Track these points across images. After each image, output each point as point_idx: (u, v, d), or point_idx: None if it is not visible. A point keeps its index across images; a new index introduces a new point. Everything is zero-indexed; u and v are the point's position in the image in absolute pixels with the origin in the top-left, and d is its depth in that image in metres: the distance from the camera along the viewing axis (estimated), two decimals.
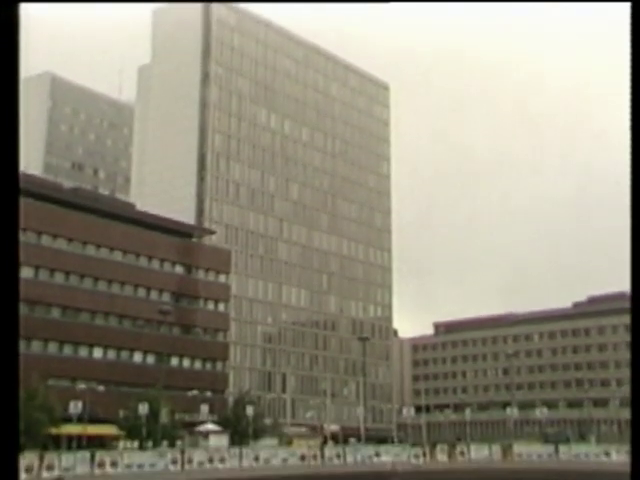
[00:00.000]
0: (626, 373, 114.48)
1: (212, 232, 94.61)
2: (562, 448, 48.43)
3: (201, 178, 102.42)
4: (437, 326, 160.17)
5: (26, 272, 65.28)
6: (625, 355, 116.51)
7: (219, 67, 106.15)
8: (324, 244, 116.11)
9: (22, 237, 58.84)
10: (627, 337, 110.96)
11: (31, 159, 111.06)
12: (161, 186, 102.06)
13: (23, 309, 61.53)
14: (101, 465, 35.31)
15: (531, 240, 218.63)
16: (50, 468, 33.05)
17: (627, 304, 7.10)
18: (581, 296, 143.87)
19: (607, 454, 46.73)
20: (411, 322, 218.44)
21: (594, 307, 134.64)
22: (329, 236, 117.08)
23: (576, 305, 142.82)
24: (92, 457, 35.54)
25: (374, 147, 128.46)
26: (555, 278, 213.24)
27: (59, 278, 72.16)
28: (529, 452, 48.68)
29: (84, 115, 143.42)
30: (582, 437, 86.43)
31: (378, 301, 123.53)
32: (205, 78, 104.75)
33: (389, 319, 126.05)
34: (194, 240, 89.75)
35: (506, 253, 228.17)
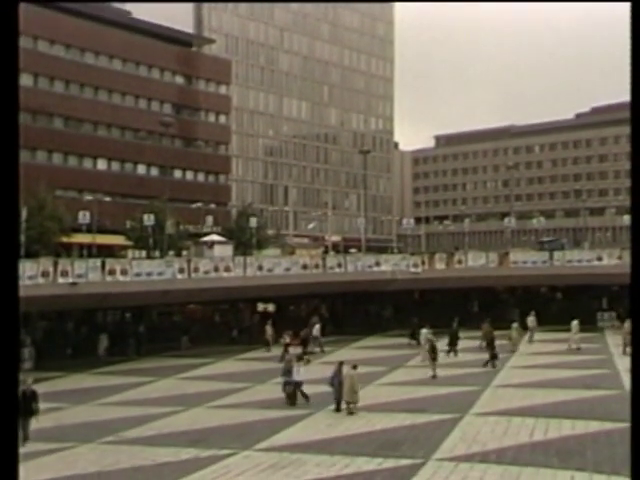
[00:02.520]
0: (624, 183, 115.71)
1: (212, 41, 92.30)
2: (556, 255, 49.56)
3: None
4: (438, 138, 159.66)
5: (25, 79, 64.11)
6: (625, 165, 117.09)
7: None
8: (325, 54, 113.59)
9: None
10: (629, 147, 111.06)
11: None
12: None
13: (25, 118, 61.12)
14: (112, 273, 36.35)
15: (534, 52, 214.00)
16: (64, 274, 34.20)
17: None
18: (585, 107, 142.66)
19: (599, 259, 47.73)
20: (412, 135, 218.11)
21: (597, 118, 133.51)
22: (330, 46, 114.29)
23: (579, 116, 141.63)
24: (103, 265, 36.56)
25: None
26: (558, 90, 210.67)
27: (59, 87, 71.31)
28: (524, 259, 49.91)
29: None
30: (577, 244, 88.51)
31: (379, 113, 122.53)
32: None
33: (390, 132, 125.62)
34: (194, 49, 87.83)
35: (508, 65, 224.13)
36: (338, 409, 22.67)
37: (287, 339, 35.93)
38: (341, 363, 23.75)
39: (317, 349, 38.52)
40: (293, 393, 24.25)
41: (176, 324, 45.35)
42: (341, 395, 22.60)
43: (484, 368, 31.20)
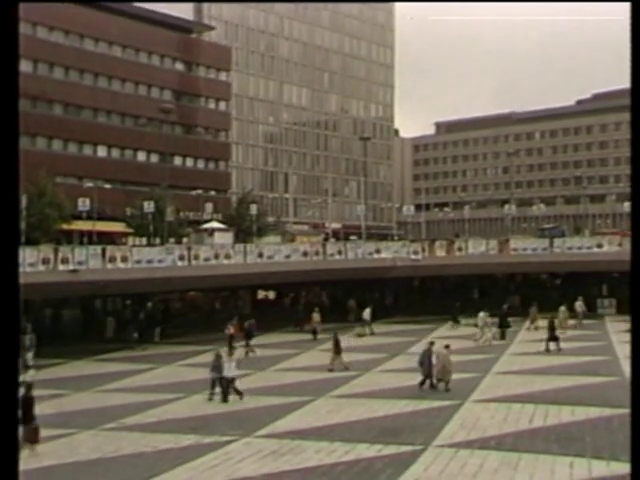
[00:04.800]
0: (625, 170, 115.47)
1: (212, 28, 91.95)
2: (556, 242, 49.53)
3: None
4: (438, 125, 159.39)
5: (24, 66, 63.66)
6: (626, 152, 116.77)
7: None
8: (325, 41, 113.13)
9: None
10: (629, 134, 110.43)
11: None
12: None
13: (25, 104, 60.82)
14: (112, 260, 36.27)
15: (535, 39, 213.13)
16: (65, 261, 34.13)
17: None
18: (586, 94, 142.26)
19: (599, 246, 47.73)
20: (412, 121, 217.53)
21: (598, 104, 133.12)
22: (331, 33, 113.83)
23: (580, 102, 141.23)
24: (103, 252, 36.49)
25: None
26: (559, 77, 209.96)
27: (59, 73, 71.08)
28: (524, 246, 49.89)
29: None
30: (577, 231, 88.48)
31: (380, 100, 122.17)
32: None
33: (391, 119, 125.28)
34: (193, 36, 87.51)
35: (509, 52, 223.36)
36: (423, 383, 23.77)
37: (231, 330, 34.21)
38: (431, 343, 24.82)
39: (367, 331, 39.20)
40: (226, 390, 23.30)
41: (164, 313, 44.81)
42: (430, 373, 23.70)
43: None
